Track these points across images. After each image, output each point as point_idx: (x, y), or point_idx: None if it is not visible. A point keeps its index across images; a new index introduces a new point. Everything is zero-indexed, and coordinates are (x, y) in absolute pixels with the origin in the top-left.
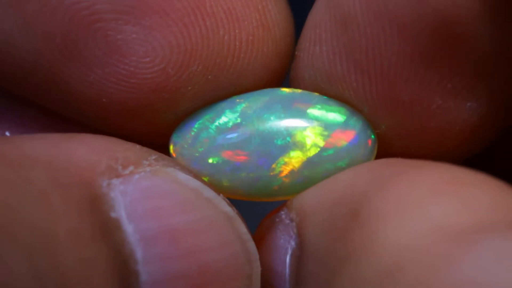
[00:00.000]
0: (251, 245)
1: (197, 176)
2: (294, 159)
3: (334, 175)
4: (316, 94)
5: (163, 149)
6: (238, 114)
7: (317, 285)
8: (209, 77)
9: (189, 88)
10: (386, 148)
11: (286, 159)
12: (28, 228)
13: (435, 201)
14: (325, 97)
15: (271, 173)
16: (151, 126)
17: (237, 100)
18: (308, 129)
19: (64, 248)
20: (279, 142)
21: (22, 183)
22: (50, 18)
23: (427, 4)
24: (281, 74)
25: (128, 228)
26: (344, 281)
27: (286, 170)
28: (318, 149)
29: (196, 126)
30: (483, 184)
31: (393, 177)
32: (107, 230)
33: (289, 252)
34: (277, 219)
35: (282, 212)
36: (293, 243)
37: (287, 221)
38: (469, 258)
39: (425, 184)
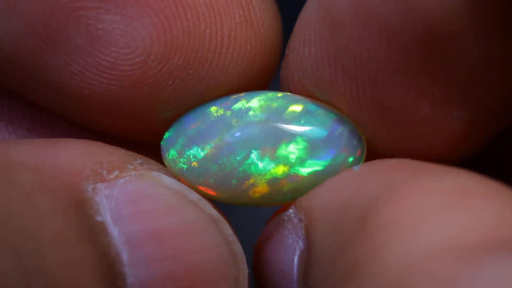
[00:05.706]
0: (237, 247)
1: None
2: (279, 173)
3: (342, 173)
4: (305, 99)
5: (151, 148)
6: (226, 126)
7: None
8: (190, 71)
9: (170, 82)
10: (374, 154)
11: (271, 172)
12: (14, 229)
13: (445, 215)
14: (313, 104)
15: (256, 184)
16: (134, 123)
17: (225, 104)
18: (293, 143)
19: (50, 249)
20: (264, 155)
21: (8, 186)
22: (32, 5)
23: (415, 11)
24: (268, 73)
25: (114, 231)
26: None
27: (271, 182)
28: (304, 162)
29: (183, 137)
30: (492, 195)
31: (403, 185)
32: (93, 233)
33: (297, 253)
34: (285, 218)
35: (291, 211)
36: (301, 244)
37: (296, 221)
38: (477, 277)
39: (435, 194)
